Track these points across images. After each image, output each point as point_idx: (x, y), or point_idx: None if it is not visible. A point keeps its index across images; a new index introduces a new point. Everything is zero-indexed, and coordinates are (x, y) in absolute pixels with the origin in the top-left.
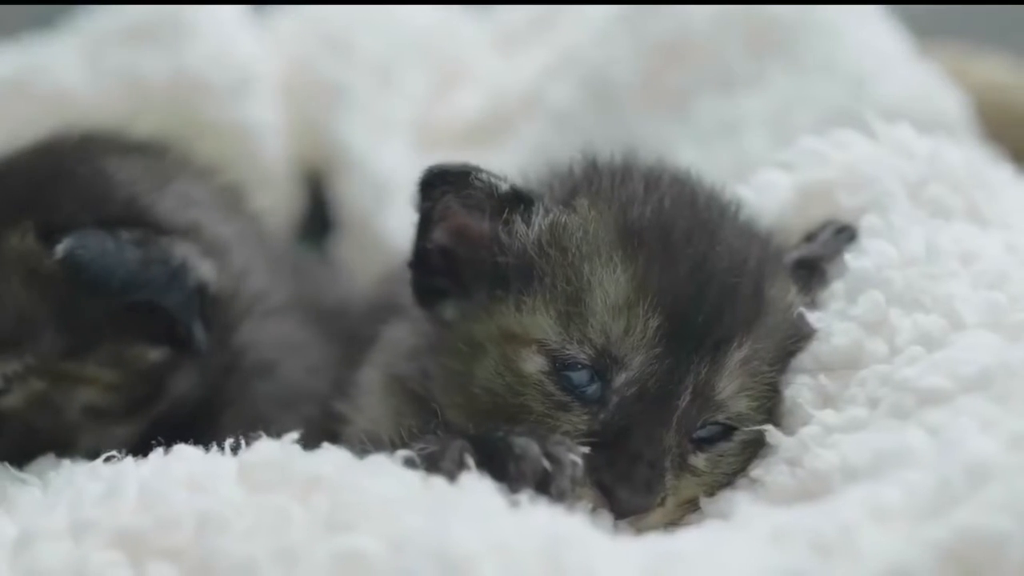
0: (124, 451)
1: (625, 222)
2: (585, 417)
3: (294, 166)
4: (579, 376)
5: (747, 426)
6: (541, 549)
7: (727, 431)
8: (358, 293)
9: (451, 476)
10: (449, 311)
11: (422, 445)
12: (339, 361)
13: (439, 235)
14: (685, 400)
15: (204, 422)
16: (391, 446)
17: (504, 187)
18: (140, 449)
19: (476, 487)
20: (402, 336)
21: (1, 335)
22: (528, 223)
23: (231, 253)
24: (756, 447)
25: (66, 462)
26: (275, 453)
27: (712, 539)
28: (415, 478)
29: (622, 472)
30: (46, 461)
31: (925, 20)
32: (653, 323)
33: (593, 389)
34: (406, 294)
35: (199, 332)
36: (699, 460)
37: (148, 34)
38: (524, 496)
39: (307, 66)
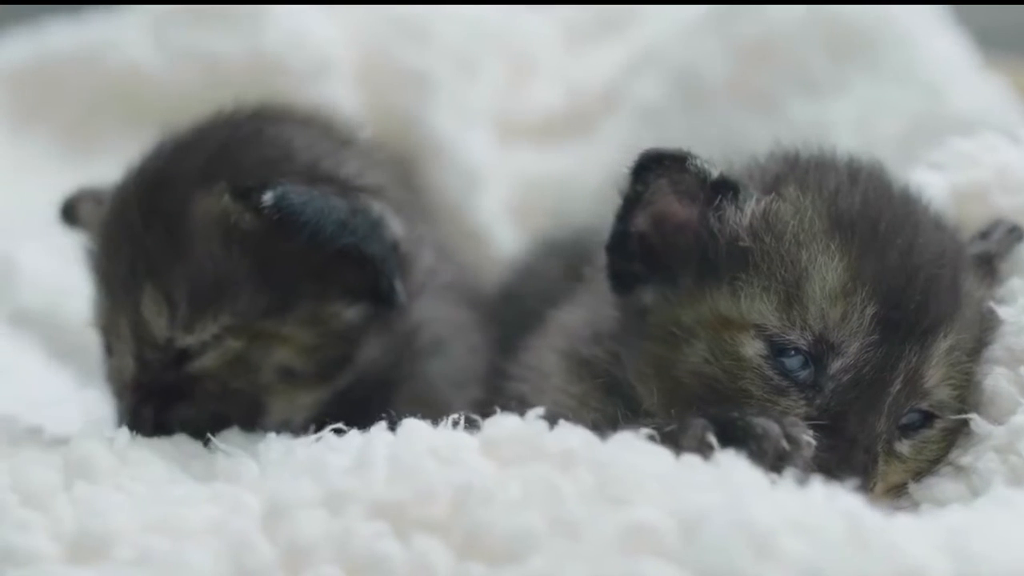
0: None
1: (837, 211)
2: (802, 402)
3: None
4: (792, 361)
5: (947, 414)
6: (842, 524)
7: (927, 418)
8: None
9: (700, 454)
10: (648, 296)
11: (656, 423)
12: (493, 344)
13: (641, 220)
14: (896, 387)
15: (378, 400)
16: (594, 427)
17: (715, 173)
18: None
19: (735, 464)
20: (581, 319)
21: (198, 298)
22: (741, 209)
23: (412, 219)
24: (955, 435)
25: (271, 435)
26: (522, 428)
27: (985, 517)
28: (668, 455)
29: (843, 456)
30: (232, 435)
31: (985, 30)
32: (869, 311)
33: (806, 374)
34: (597, 278)
35: (400, 286)
36: (904, 446)
37: (219, 16)
38: (787, 475)
39: (384, 53)
